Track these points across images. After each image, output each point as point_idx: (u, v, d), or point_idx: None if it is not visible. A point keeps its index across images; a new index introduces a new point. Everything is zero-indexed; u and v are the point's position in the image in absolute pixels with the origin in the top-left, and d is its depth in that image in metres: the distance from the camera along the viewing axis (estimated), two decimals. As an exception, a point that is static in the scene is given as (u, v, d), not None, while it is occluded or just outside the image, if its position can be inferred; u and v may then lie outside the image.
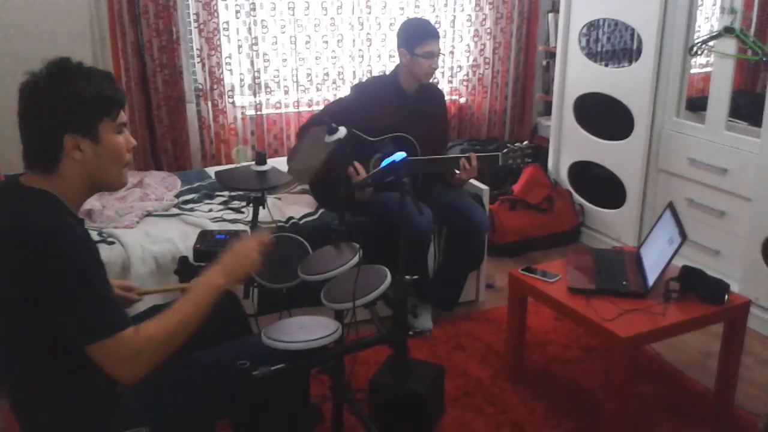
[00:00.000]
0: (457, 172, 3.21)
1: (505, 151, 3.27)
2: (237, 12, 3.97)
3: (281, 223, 3.05)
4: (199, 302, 1.68)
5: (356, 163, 3.07)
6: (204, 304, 1.68)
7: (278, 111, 4.22)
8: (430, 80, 3.32)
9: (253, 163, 2.34)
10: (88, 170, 1.60)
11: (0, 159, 2.96)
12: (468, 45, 4.66)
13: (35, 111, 1.57)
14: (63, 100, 1.55)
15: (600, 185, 4.23)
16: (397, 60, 3.28)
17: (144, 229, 2.97)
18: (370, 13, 4.28)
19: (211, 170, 3.69)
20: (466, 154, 3.18)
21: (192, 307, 1.66)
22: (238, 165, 3.45)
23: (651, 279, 2.53)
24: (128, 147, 1.68)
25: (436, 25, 4.07)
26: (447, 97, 3.82)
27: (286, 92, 4.21)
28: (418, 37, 3.14)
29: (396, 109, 3.21)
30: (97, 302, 1.52)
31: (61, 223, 1.52)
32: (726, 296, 2.49)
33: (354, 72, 4.34)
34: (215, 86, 4.00)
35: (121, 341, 1.52)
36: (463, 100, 4.76)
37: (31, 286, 1.48)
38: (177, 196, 3.36)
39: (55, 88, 1.55)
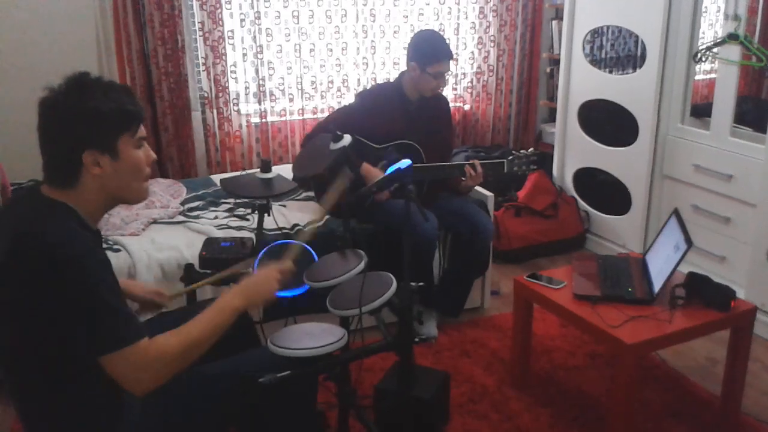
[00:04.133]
0: (463, 179, 3.21)
1: (510, 158, 3.27)
2: (242, 20, 3.99)
3: (286, 230, 3.05)
4: (214, 322, 1.68)
5: (366, 165, 3.07)
6: (220, 324, 1.68)
7: (283, 118, 4.23)
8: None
9: (259, 171, 2.36)
10: (107, 185, 1.60)
11: (7, 169, 2.96)
12: (472, 52, 4.67)
13: (54, 127, 1.56)
14: (82, 116, 1.54)
15: (605, 192, 4.23)
16: (401, 67, 3.28)
17: (149, 236, 2.98)
18: (374, 21, 4.29)
19: (217, 178, 3.71)
20: (470, 162, 3.18)
21: (207, 326, 1.66)
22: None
23: (657, 285, 2.53)
24: (148, 161, 1.67)
25: (441, 32, 4.08)
26: (451, 104, 3.82)
27: (291, 100, 4.23)
28: (432, 56, 3.11)
29: (400, 117, 3.21)
30: (108, 314, 1.51)
31: (75, 236, 1.52)
32: (732, 303, 2.49)
33: (358, 79, 4.35)
34: (220, 94, 4.02)
35: (132, 353, 1.52)
36: (467, 107, 4.77)
37: (41, 296, 1.48)
38: (182, 203, 3.37)
39: (74, 103, 1.54)
